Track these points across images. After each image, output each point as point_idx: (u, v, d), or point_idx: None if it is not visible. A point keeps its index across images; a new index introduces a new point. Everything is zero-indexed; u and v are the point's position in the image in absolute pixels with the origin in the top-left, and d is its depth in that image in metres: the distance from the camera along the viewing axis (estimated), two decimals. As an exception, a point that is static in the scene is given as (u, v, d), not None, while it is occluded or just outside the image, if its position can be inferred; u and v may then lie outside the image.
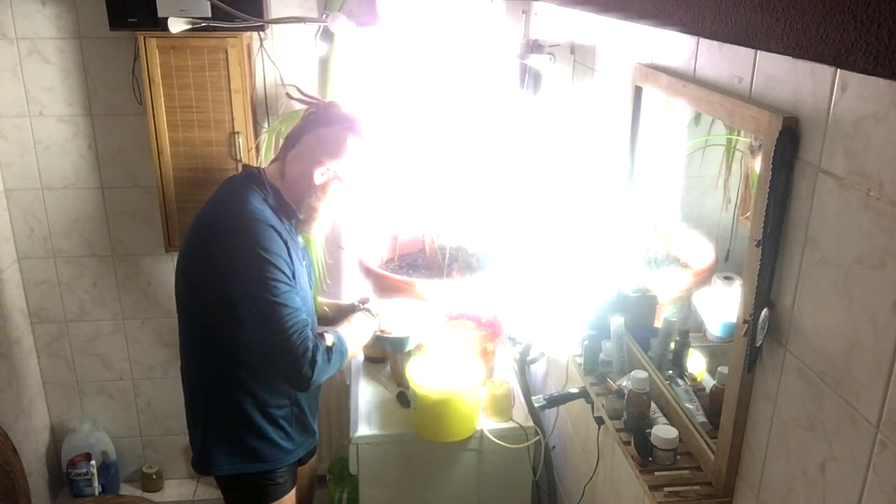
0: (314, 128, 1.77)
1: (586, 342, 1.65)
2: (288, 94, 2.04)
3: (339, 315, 2.02)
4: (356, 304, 2.03)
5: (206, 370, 1.80)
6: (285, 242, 1.69)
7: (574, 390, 1.77)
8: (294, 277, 1.70)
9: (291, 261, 1.70)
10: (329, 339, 1.72)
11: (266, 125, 2.61)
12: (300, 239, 1.87)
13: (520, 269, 2.34)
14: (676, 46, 1.34)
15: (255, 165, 1.91)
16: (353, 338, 1.85)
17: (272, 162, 1.84)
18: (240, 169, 2.02)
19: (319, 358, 1.66)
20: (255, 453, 1.84)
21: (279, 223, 1.72)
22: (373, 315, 1.98)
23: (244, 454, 1.84)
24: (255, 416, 1.80)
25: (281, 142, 2.56)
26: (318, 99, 1.86)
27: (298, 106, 2.60)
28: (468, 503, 2.25)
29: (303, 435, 1.93)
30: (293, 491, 1.95)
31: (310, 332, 1.67)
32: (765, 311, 1.05)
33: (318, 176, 1.75)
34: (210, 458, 1.84)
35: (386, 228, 2.51)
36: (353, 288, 2.81)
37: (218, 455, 1.84)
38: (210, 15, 2.23)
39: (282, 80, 2.58)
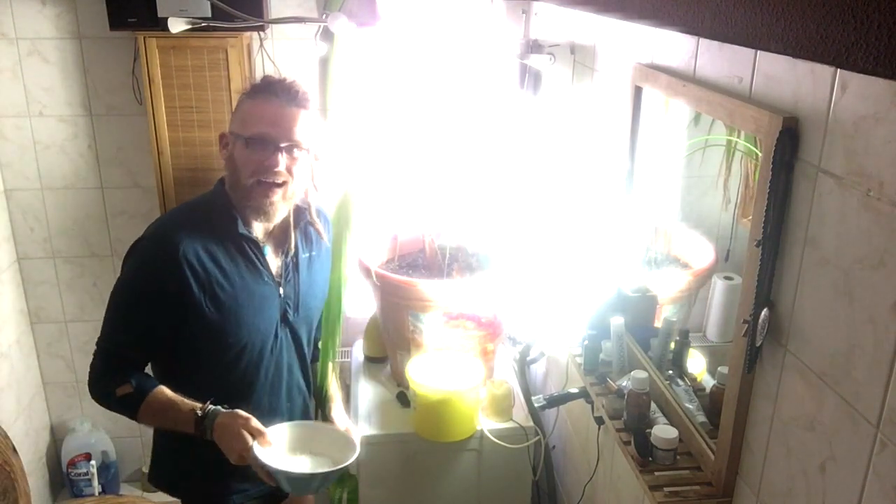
0: None
1: (586, 342, 1.65)
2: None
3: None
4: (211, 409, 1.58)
5: None
6: (215, 256, 1.58)
7: (574, 390, 1.77)
8: (216, 298, 1.57)
9: (206, 283, 1.56)
10: (125, 389, 1.56)
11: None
12: (286, 254, 1.70)
13: (520, 269, 2.34)
14: (676, 46, 1.34)
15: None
16: (165, 410, 1.57)
17: None
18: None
19: (93, 388, 1.61)
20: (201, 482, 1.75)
21: (217, 238, 1.59)
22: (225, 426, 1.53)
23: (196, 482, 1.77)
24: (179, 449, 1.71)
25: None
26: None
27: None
28: (468, 503, 2.25)
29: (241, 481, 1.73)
30: None
31: (109, 360, 1.59)
32: (765, 311, 1.05)
33: (224, 149, 1.63)
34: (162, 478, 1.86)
35: (386, 228, 2.51)
36: (352, 288, 2.81)
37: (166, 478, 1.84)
38: (210, 15, 2.23)
39: (282, 80, 2.58)
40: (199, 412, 1.54)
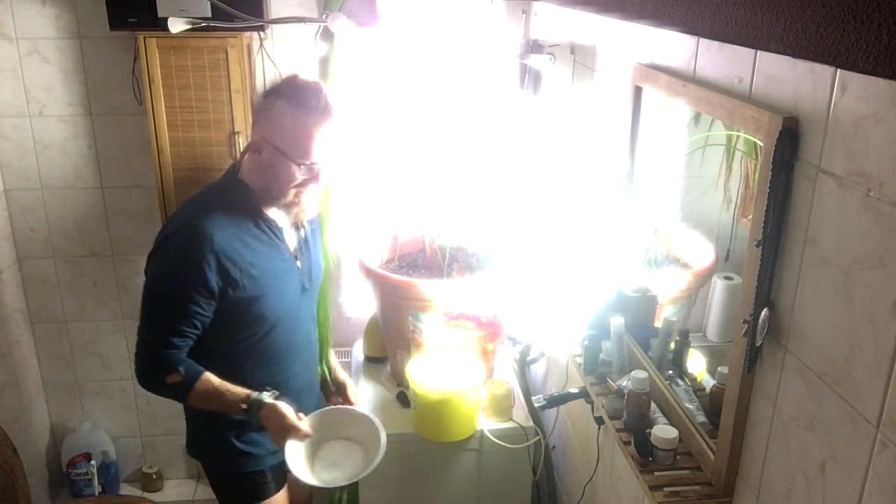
0: (257, 103, 1.72)
1: (586, 342, 1.65)
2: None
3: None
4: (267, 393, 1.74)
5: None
6: (245, 242, 1.67)
7: (574, 390, 1.77)
8: (253, 279, 1.67)
9: (240, 263, 1.65)
10: (174, 378, 1.66)
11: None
12: (298, 230, 1.82)
13: (520, 269, 2.34)
14: (676, 46, 1.34)
15: (234, 159, 1.84)
16: (214, 397, 1.70)
17: (245, 153, 1.78)
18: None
19: (142, 378, 1.70)
20: (225, 452, 1.85)
21: (243, 224, 1.68)
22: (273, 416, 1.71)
23: (217, 450, 1.87)
24: (213, 417, 1.79)
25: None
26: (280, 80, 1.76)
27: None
28: (468, 503, 2.25)
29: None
30: (281, 492, 1.95)
31: (165, 353, 1.65)
32: (765, 311, 1.05)
33: (261, 154, 1.66)
34: (192, 443, 1.93)
35: (386, 228, 2.51)
36: (352, 288, 2.82)
37: (196, 444, 1.92)
38: (210, 15, 2.23)
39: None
40: (244, 405, 1.69)
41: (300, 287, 1.82)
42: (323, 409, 1.89)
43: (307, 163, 1.64)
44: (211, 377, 1.69)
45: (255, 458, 1.87)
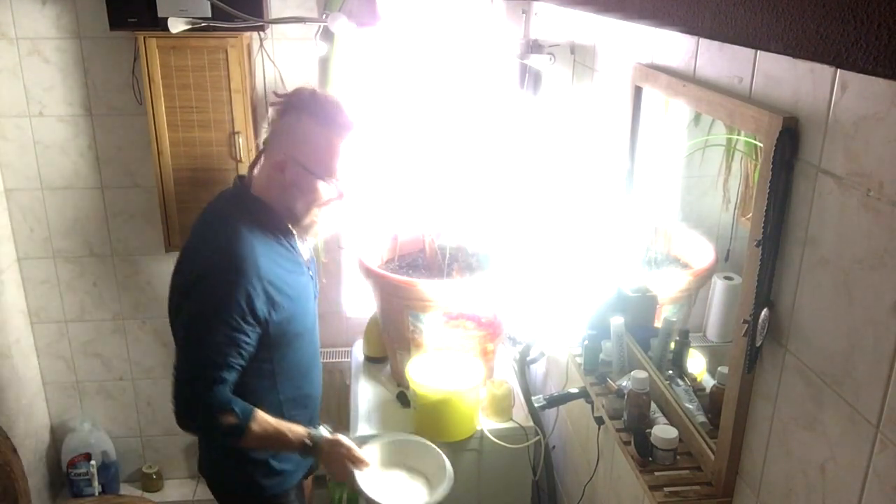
0: (276, 119, 1.62)
1: (586, 342, 1.65)
2: (269, 103, 1.80)
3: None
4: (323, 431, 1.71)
5: None
6: (278, 263, 1.61)
7: (574, 390, 1.77)
8: (290, 298, 1.62)
9: (280, 286, 1.60)
10: (229, 420, 1.54)
11: (266, 125, 2.60)
12: (307, 248, 1.77)
13: (520, 269, 2.34)
14: (676, 46, 1.34)
15: (240, 174, 1.75)
16: (271, 438, 1.61)
17: (253, 166, 1.70)
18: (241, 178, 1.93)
19: (191, 419, 1.56)
20: (255, 478, 1.75)
21: (271, 244, 1.62)
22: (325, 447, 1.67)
23: (243, 477, 1.76)
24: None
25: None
26: (295, 91, 1.65)
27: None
28: (468, 503, 2.25)
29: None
30: None
31: (220, 391, 1.54)
32: (765, 311, 1.05)
33: (284, 172, 1.59)
34: (211, 470, 1.82)
35: (386, 228, 2.51)
36: (352, 288, 2.82)
37: (216, 467, 1.80)
38: (210, 15, 2.23)
39: (282, 80, 2.58)
40: (308, 441, 1.63)
41: (314, 296, 1.79)
42: (383, 439, 1.87)
43: (335, 181, 1.60)
44: (264, 415, 1.59)
45: (287, 476, 1.79)
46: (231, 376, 1.56)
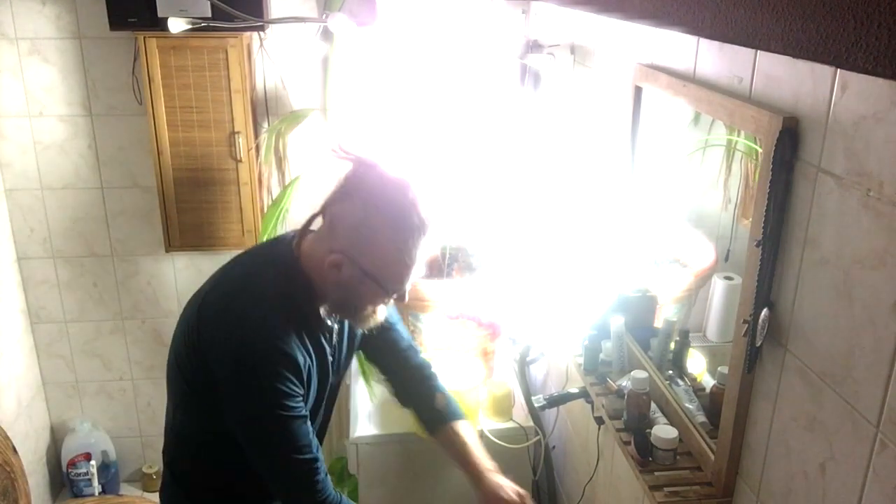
0: (339, 199, 1.34)
1: (586, 342, 1.65)
2: (333, 150, 1.43)
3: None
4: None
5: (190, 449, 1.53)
6: (309, 354, 1.40)
7: (574, 390, 1.77)
8: (311, 386, 1.42)
9: (310, 377, 1.41)
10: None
11: (266, 125, 2.61)
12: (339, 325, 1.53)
13: (520, 270, 2.34)
14: (676, 46, 1.34)
15: (291, 235, 1.45)
16: None
17: (307, 229, 1.42)
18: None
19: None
20: None
21: (305, 330, 1.39)
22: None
23: None
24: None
25: (281, 143, 2.58)
26: (361, 157, 1.36)
27: (298, 106, 2.60)
28: (468, 503, 2.25)
29: None
30: None
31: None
32: (765, 311, 1.05)
33: (340, 271, 1.33)
34: None
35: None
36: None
37: None
38: (210, 15, 2.23)
39: (282, 80, 2.58)
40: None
41: (329, 381, 1.54)
42: None
43: (396, 293, 1.38)
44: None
45: None
46: (321, 453, 1.41)
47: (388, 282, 1.34)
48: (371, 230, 1.30)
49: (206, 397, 1.39)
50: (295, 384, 1.35)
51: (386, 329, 1.58)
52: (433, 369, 1.73)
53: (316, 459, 1.39)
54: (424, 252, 1.35)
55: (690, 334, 1.50)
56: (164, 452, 1.58)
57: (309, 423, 1.40)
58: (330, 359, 1.50)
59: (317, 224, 1.41)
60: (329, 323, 1.46)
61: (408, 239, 1.31)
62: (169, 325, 2.89)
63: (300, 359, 1.36)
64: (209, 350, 1.36)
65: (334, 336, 1.51)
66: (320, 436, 1.62)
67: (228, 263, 1.48)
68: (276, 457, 1.39)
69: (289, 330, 1.35)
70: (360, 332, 1.59)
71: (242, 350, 1.32)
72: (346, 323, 1.54)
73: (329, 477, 1.43)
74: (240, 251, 1.55)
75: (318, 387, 1.47)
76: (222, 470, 1.51)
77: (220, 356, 1.34)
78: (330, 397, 1.58)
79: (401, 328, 1.69)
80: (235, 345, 1.33)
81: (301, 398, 1.37)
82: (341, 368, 1.58)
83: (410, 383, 1.71)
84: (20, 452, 2.31)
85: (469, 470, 1.64)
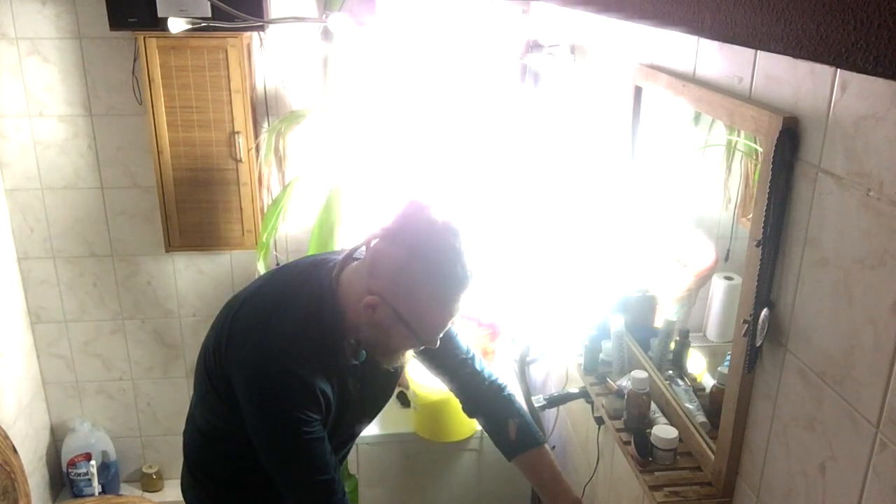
0: (384, 236, 1.28)
1: (586, 342, 1.65)
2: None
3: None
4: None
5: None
6: (332, 386, 1.37)
7: (574, 390, 1.77)
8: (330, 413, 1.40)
9: (330, 407, 1.39)
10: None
11: (266, 125, 2.61)
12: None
13: (520, 270, 2.33)
14: (676, 46, 1.34)
15: (334, 259, 1.40)
16: None
17: (349, 259, 1.38)
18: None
19: None
20: None
21: (328, 364, 1.36)
22: None
23: None
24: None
25: (281, 143, 2.59)
26: (414, 198, 1.31)
27: (298, 106, 2.60)
28: (468, 503, 2.25)
29: None
30: None
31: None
32: (765, 311, 1.05)
33: (375, 312, 1.28)
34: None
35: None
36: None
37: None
38: (210, 15, 2.23)
39: (282, 80, 2.58)
40: None
41: (349, 408, 1.49)
42: None
43: (434, 340, 1.34)
44: None
45: None
46: (337, 474, 1.41)
47: (423, 332, 1.30)
48: (412, 279, 1.24)
49: (228, 399, 1.40)
50: (313, 412, 1.33)
51: (443, 340, 1.47)
52: (509, 390, 1.64)
53: (333, 480, 1.38)
54: (464, 305, 1.31)
55: (690, 334, 1.50)
56: (185, 449, 1.57)
57: (326, 443, 1.38)
58: (351, 388, 1.45)
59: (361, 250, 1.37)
60: (353, 355, 1.41)
61: (449, 292, 1.27)
62: (169, 325, 2.89)
63: (320, 387, 1.33)
64: (232, 367, 1.36)
65: (359, 366, 1.45)
66: (342, 457, 1.61)
67: (269, 273, 1.47)
68: (293, 476, 1.39)
69: (311, 360, 1.33)
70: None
71: (264, 379, 1.31)
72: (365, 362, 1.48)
73: (347, 496, 1.43)
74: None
75: (337, 414, 1.43)
76: (242, 465, 1.51)
77: (242, 379, 1.34)
78: (350, 423, 1.53)
79: (459, 340, 1.61)
80: (257, 372, 1.32)
81: (319, 422, 1.35)
82: (366, 400, 1.52)
83: (480, 402, 1.64)
84: (20, 452, 2.31)
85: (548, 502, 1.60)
